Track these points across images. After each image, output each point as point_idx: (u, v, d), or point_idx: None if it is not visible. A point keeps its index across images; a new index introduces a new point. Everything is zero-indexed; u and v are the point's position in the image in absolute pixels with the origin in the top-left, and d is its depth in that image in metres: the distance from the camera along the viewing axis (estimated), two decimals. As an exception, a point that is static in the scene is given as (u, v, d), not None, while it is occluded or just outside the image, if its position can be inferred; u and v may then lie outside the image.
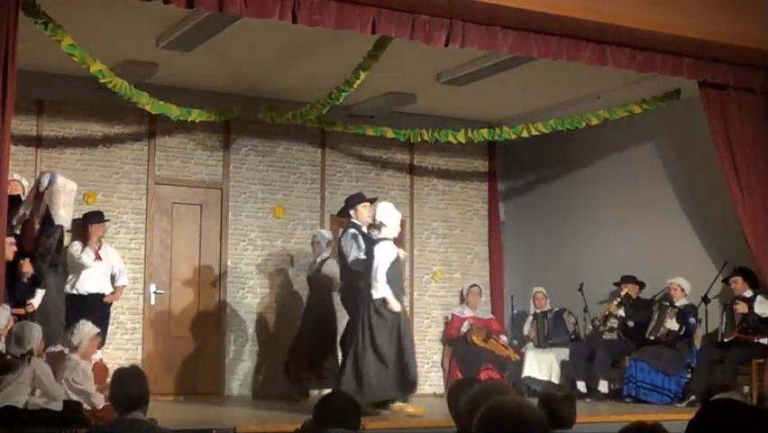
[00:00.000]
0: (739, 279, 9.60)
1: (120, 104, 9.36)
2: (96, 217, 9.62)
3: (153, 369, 10.09)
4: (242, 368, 10.80)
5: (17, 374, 6.29)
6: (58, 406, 6.45)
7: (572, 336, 11.10)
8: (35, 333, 6.71)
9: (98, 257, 9.49)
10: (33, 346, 6.61)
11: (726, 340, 9.59)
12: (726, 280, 9.80)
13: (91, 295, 9.36)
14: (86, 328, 7.36)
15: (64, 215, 8.89)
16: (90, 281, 9.38)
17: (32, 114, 10.06)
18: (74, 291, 9.30)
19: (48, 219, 8.75)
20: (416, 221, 11.98)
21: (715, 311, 9.97)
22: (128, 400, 4.59)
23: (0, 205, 6.94)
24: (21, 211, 8.67)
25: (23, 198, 8.95)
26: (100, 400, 6.87)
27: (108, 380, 7.57)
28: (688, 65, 8.96)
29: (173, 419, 7.43)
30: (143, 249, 10.52)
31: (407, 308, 9.72)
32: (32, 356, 6.46)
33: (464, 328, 11.19)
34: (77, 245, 9.43)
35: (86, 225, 9.54)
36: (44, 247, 8.67)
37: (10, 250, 8.02)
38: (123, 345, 10.21)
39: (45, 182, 8.81)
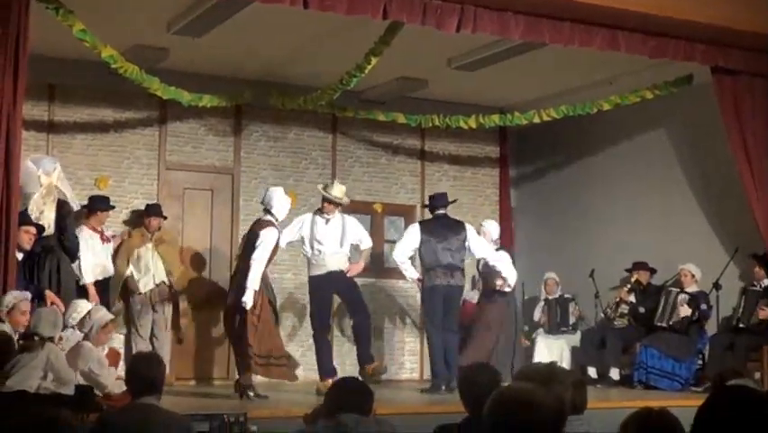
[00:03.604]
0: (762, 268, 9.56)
1: (131, 89, 9.35)
2: (104, 204, 9.68)
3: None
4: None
5: (31, 357, 6.32)
6: (69, 390, 6.47)
7: (571, 328, 11.12)
8: (60, 321, 6.86)
9: (105, 240, 9.54)
10: (58, 334, 6.74)
11: (741, 325, 9.57)
12: (755, 257, 9.59)
13: (98, 282, 9.34)
14: (100, 314, 7.37)
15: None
16: (98, 268, 9.36)
17: (43, 99, 10.07)
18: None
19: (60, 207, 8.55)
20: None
21: (726, 297, 9.93)
22: (142, 384, 4.61)
23: (12, 190, 6.96)
24: (37, 197, 8.40)
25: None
26: (117, 387, 6.89)
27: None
28: (700, 50, 8.92)
29: (185, 404, 7.46)
30: (155, 234, 10.53)
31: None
32: (46, 341, 6.49)
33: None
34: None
35: (95, 210, 9.53)
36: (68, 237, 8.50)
37: (27, 237, 7.92)
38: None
39: (57, 166, 8.69)
